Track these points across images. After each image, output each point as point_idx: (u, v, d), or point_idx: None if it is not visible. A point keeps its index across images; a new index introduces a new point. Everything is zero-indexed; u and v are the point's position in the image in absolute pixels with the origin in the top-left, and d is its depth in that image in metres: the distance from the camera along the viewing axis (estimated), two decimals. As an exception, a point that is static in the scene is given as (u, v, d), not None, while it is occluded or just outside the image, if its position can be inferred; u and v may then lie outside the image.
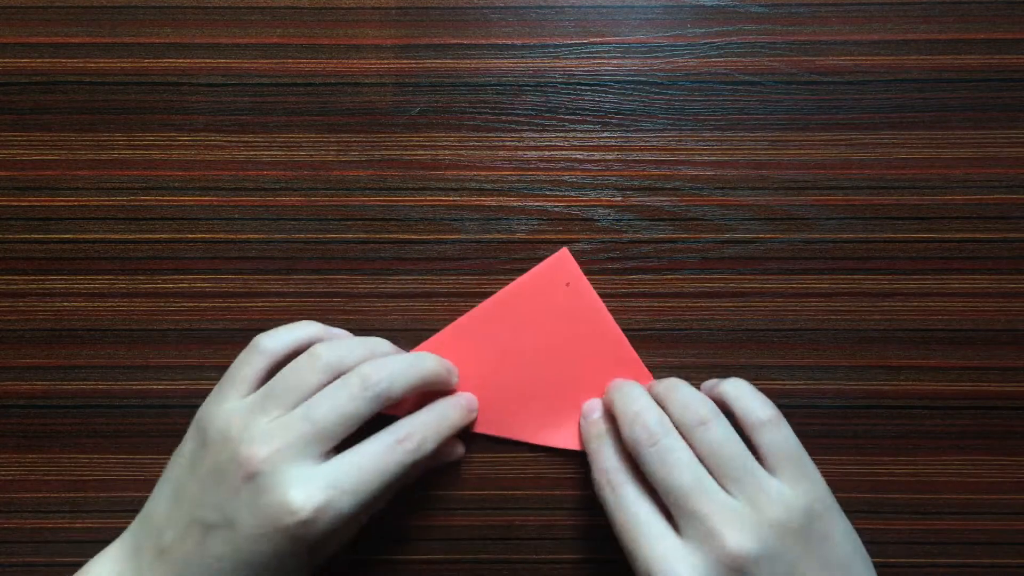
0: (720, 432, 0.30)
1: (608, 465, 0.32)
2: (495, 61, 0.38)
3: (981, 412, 0.37)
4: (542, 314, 0.36)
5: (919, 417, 0.36)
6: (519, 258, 0.37)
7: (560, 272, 0.37)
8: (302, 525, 0.28)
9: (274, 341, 0.32)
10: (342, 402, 0.30)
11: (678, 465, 0.30)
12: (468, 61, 0.38)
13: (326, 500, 0.28)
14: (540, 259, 0.37)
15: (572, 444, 0.36)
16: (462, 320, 0.36)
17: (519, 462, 0.36)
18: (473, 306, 0.37)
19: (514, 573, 0.36)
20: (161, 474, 0.32)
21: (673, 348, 0.37)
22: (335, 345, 0.32)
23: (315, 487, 0.29)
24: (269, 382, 0.31)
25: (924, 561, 0.36)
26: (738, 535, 0.28)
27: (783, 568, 0.28)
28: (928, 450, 0.35)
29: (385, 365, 0.31)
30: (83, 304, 0.37)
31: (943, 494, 0.36)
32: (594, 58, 0.38)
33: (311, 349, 0.32)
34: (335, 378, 0.31)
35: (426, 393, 0.34)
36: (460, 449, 0.36)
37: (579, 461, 0.36)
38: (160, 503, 0.31)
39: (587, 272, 0.37)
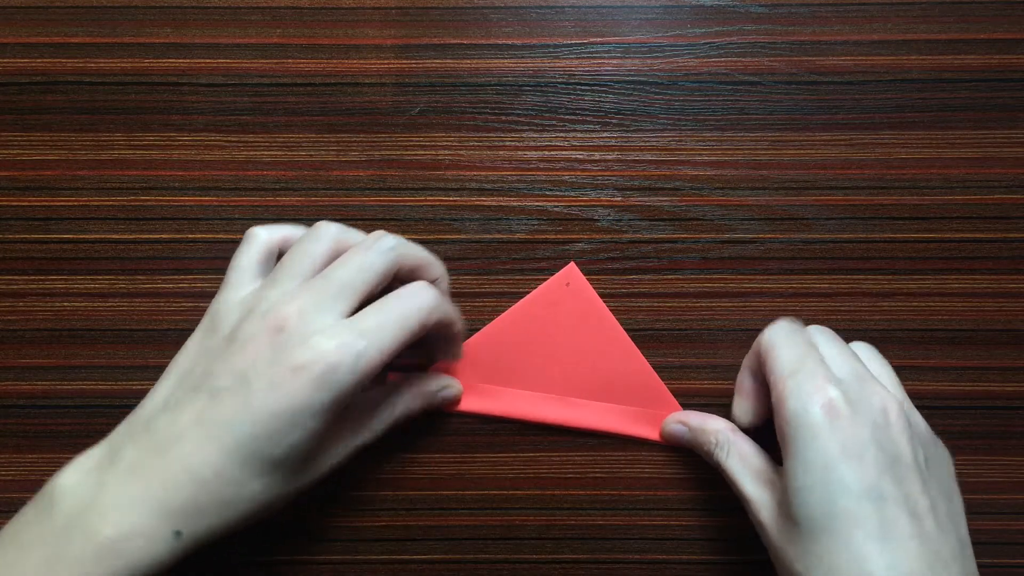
0: None
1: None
2: (495, 61, 0.38)
3: (981, 412, 0.37)
4: (551, 328, 0.36)
5: (919, 417, 0.36)
6: (519, 258, 0.37)
7: (567, 284, 0.37)
8: (328, 369, 0.28)
9: (268, 230, 0.33)
10: (358, 258, 0.30)
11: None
12: (468, 61, 0.38)
13: (351, 343, 0.28)
14: (540, 259, 0.37)
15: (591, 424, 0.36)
16: (472, 341, 0.36)
17: (519, 462, 0.36)
18: (473, 306, 0.37)
19: (514, 573, 0.36)
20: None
21: (673, 348, 0.37)
22: (336, 223, 0.32)
23: (341, 333, 0.28)
24: (276, 265, 0.31)
25: (924, 561, 0.36)
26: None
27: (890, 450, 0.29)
28: (928, 450, 0.35)
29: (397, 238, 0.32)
30: (83, 304, 0.37)
31: (943, 494, 0.36)
32: (594, 58, 0.38)
33: (314, 226, 0.32)
34: (341, 251, 0.31)
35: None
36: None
37: (579, 461, 0.36)
38: (154, 397, 0.30)
39: (587, 272, 0.37)
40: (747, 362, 0.34)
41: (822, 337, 0.32)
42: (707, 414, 0.35)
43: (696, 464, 0.36)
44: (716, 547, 0.36)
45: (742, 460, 0.32)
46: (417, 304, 0.30)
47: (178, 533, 0.27)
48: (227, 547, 0.35)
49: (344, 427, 0.31)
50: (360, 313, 0.30)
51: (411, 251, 0.32)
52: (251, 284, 0.31)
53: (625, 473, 0.36)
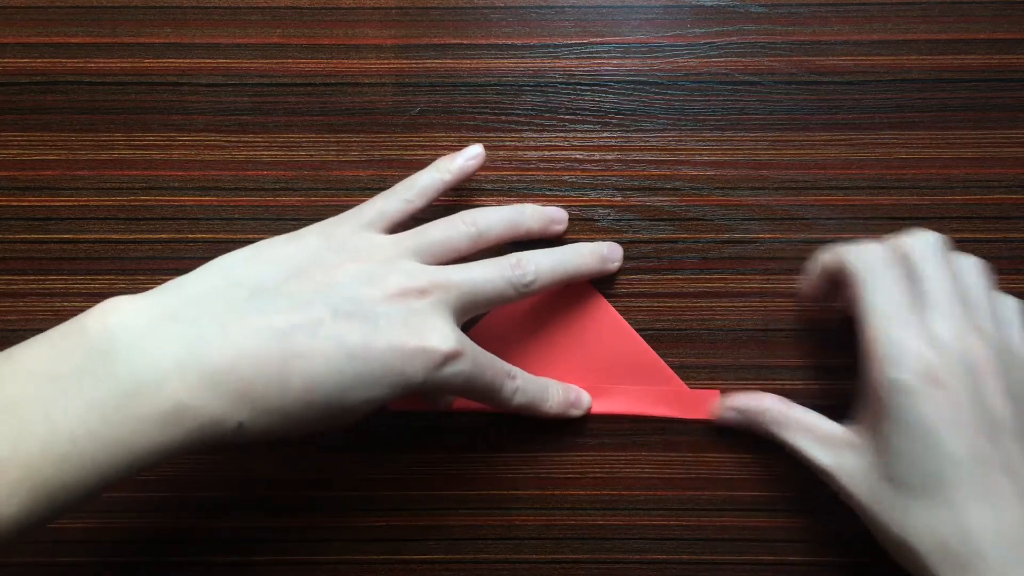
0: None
1: None
2: (495, 61, 0.38)
3: (981, 412, 0.37)
4: (546, 316, 0.36)
5: (919, 417, 0.36)
6: (519, 258, 0.37)
7: None
8: (443, 358, 0.29)
9: (421, 197, 0.33)
10: (495, 278, 0.31)
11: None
12: (468, 61, 0.38)
13: (464, 357, 0.29)
14: (540, 259, 0.37)
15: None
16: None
17: (519, 462, 0.36)
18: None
19: (514, 573, 0.36)
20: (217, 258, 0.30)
21: (673, 348, 0.37)
22: (483, 212, 0.33)
23: (464, 343, 0.30)
24: (416, 229, 0.32)
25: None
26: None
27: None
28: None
29: (538, 259, 0.33)
30: (83, 304, 0.37)
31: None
32: (594, 58, 0.38)
33: (461, 213, 0.33)
34: (477, 246, 0.32)
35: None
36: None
37: (579, 461, 0.36)
38: (256, 271, 0.29)
39: (587, 272, 0.37)
40: (823, 258, 0.33)
41: (920, 263, 0.30)
42: (752, 393, 0.35)
43: (695, 464, 0.36)
44: (716, 547, 0.36)
45: (805, 432, 0.32)
46: (509, 386, 0.32)
47: (240, 424, 0.26)
48: (224, 546, 0.35)
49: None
50: (483, 352, 0.31)
51: (546, 278, 0.33)
52: (380, 231, 0.32)
53: (625, 473, 0.36)
